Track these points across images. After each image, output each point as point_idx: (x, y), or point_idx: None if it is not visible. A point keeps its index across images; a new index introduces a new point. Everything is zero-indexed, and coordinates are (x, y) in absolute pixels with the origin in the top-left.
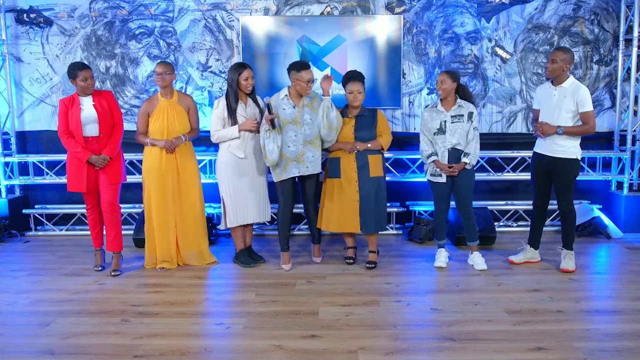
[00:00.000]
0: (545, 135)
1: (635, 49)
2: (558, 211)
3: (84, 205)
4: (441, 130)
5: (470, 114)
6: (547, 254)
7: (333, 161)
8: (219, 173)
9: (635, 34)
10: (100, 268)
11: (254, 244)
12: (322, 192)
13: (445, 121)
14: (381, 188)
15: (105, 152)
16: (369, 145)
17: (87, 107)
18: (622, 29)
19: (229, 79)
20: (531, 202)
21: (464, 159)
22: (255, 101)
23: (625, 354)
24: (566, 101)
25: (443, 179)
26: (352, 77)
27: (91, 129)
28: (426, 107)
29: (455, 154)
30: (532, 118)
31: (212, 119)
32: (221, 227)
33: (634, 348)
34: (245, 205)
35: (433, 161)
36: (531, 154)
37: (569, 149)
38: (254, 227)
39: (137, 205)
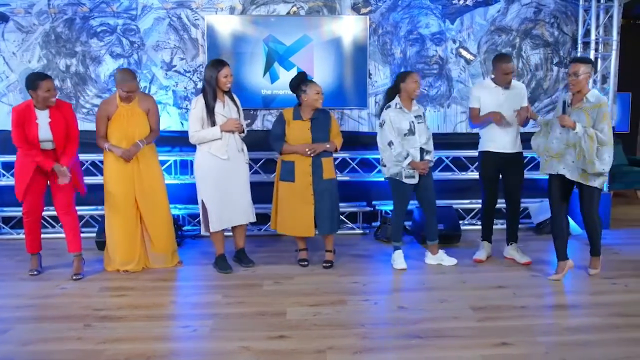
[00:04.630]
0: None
1: (592, 52)
2: (508, 207)
3: (45, 208)
4: (411, 132)
5: (424, 113)
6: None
7: (286, 164)
8: (199, 176)
9: (593, 37)
10: (36, 272)
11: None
12: (274, 194)
13: (412, 122)
14: (334, 190)
15: (62, 162)
16: (327, 145)
17: (43, 124)
18: (580, 32)
19: (207, 76)
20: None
21: (427, 157)
22: (233, 99)
23: (585, 347)
24: (516, 99)
25: (415, 180)
26: (308, 79)
27: (45, 145)
28: (386, 108)
29: (421, 154)
30: (475, 117)
31: (190, 119)
32: (202, 231)
33: (593, 341)
34: (230, 207)
35: (409, 162)
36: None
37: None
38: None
39: (99, 207)
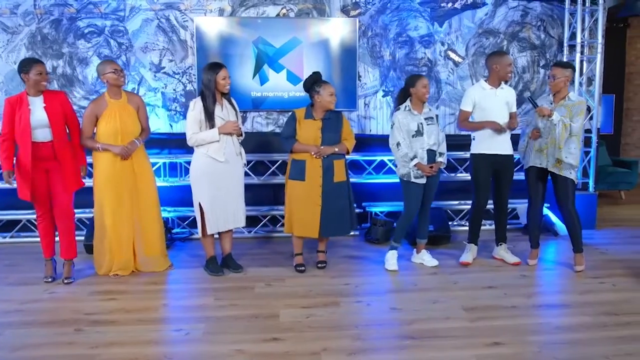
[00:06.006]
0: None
1: (578, 55)
2: (497, 208)
3: (30, 211)
4: (419, 132)
5: (437, 117)
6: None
7: (297, 163)
8: (195, 179)
9: (578, 40)
10: (50, 279)
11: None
12: (285, 195)
13: (421, 123)
14: (344, 193)
15: (80, 162)
16: (336, 149)
17: (37, 109)
18: (566, 35)
19: (205, 79)
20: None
21: (440, 159)
22: (231, 102)
23: (576, 345)
24: (506, 100)
25: (424, 180)
26: (323, 79)
27: (42, 134)
28: (396, 110)
29: (430, 155)
30: (461, 120)
31: (188, 121)
32: (199, 235)
33: (583, 339)
34: (226, 211)
35: (416, 164)
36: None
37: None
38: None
39: (87, 210)
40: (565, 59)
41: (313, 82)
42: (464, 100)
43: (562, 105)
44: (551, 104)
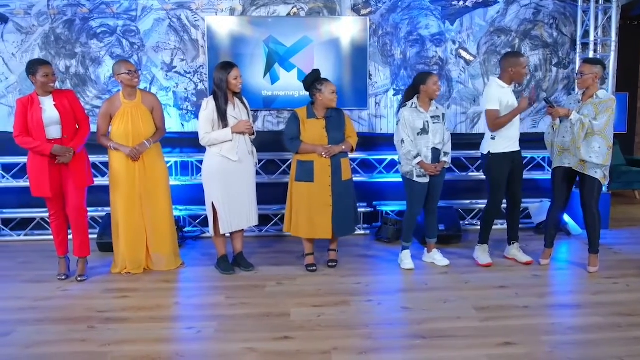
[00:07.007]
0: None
1: (591, 53)
2: (512, 206)
3: (44, 209)
4: (424, 131)
5: (444, 115)
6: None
7: (304, 165)
8: (208, 178)
9: (592, 38)
10: (64, 277)
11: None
12: (289, 196)
13: (427, 121)
14: (351, 191)
15: (70, 146)
16: (343, 147)
17: (48, 108)
18: (579, 33)
19: (217, 79)
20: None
21: (444, 158)
22: (242, 101)
23: (588, 346)
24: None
25: (427, 179)
26: (322, 77)
27: (53, 131)
28: (403, 107)
29: (435, 154)
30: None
31: (201, 121)
32: (210, 234)
33: (596, 340)
34: (239, 210)
35: (419, 162)
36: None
37: None
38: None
39: (99, 209)
40: (578, 57)
41: (314, 80)
42: (489, 100)
43: (589, 103)
44: (579, 102)
